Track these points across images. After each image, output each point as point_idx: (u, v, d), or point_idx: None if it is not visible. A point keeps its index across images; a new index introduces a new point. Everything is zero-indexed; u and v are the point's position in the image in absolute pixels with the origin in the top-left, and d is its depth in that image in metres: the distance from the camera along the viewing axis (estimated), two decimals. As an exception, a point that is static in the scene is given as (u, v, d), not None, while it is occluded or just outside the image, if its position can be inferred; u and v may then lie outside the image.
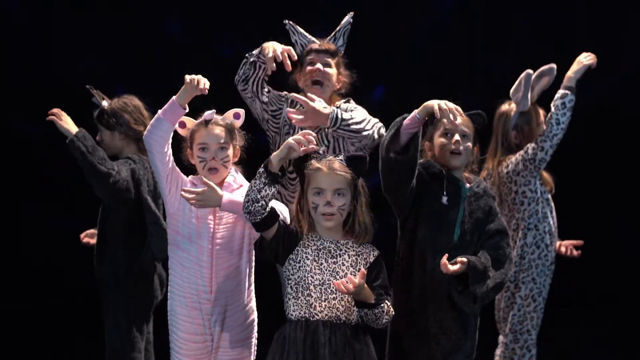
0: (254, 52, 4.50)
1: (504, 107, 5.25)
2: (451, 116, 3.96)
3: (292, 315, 3.82)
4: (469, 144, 4.23)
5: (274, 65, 4.46)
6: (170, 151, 4.05)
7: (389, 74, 6.87)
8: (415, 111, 4.02)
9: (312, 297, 3.79)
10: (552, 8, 7.17)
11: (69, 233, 6.48)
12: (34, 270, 7.10)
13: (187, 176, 4.14)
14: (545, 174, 5.23)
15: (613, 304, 7.17)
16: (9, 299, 6.98)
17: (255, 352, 4.19)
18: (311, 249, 3.84)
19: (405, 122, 4.02)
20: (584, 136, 6.63)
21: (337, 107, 4.49)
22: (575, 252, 5.34)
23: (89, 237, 5.06)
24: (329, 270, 3.82)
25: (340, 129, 4.36)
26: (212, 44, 6.96)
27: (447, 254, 3.97)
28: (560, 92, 5.09)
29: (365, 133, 4.39)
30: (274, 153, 3.77)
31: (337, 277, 3.79)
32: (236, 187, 4.10)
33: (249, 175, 4.05)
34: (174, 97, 4.01)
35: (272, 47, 4.43)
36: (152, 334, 4.84)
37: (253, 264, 4.17)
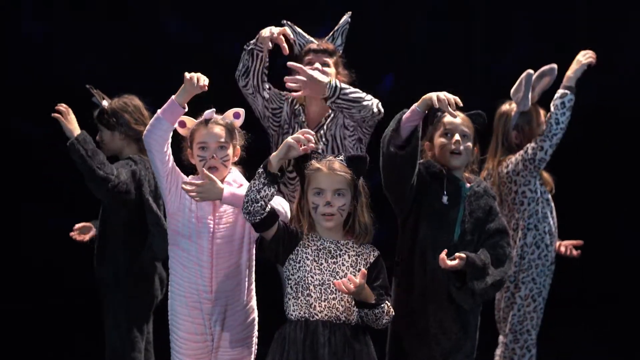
0: (251, 41, 4.51)
1: (505, 107, 5.24)
2: (449, 108, 3.96)
3: (292, 315, 3.82)
4: (469, 144, 4.23)
5: (270, 45, 4.44)
6: (170, 151, 4.05)
7: (380, 82, 6.87)
8: (415, 104, 4.02)
9: (312, 297, 3.79)
10: (552, 8, 7.18)
11: (69, 233, 6.48)
12: (34, 270, 7.10)
13: (188, 176, 4.14)
14: (545, 174, 5.22)
15: (613, 304, 7.18)
16: (9, 299, 6.98)
17: (256, 352, 4.19)
18: (311, 249, 3.84)
19: (406, 115, 4.02)
20: (584, 136, 6.63)
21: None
22: (575, 252, 5.34)
23: (79, 232, 5.02)
24: (329, 271, 3.82)
25: (340, 99, 4.30)
26: (212, 44, 6.96)
27: (446, 249, 3.98)
28: (560, 91, 5.09)
29: (365, 103, 4.34)
30: (273, 153, 3.77)
31: (337, 277, 3.79)
32: (236, 186, 4.10)
33: (249, 175, 4.05)
34: (173, 97, 4.01)
35: (269, 29, 4.45)
36: (152, 334, 4.84)
37: (253, 263, 4.17)
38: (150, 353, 4.85)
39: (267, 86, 4.62)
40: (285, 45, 4.46)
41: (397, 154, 4.00)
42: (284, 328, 3.84)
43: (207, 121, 4.11)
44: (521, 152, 5.13)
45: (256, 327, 4.19)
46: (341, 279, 3.74)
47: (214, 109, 4.14)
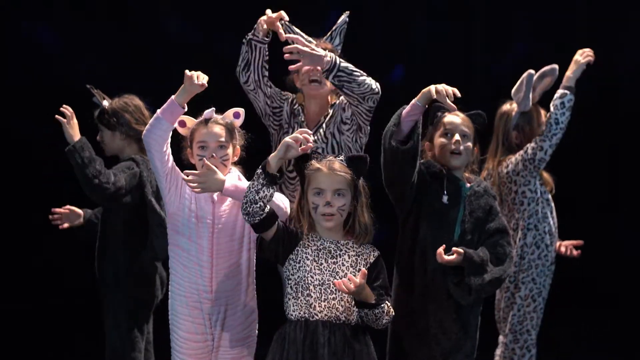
0: (249, 33, 4.52)
1: (506, 106, 5.24)
2: (447, 100, 3.96)
3: (291, 315, 3.82)
4: (469, 144, 4.23)
5: (266, 27, 4.43)
6: (169, 150, 4.05)
7: (388, 74, 6.88)
8: (415, 98, 4.03)
9: (311, 297, 3.79)
10: (552, 8, 7.18)
11: (69, 233, 6.47)
12: (34, 270, 7.10)
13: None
14: (546, 174, 5.22)
15: (613, 304, 7.18)
16: (9, 299, 6.98)
17: (255, 351, 4.20)
18: (311, 249, 3.84)
19: (406, 110, 4.03)
20: (584, 136, 6.63)
21: (339, 103, 4.53)
22: (575, 252, 5.34)
23: (64, 217, 4.97)
24: (329, 271, 3.82)
25: (341, 71, 4.26)
26: (212, 44, 6.96)
27: (444, 245, 3.98)
28: (560, 91, 5.09)
29: (364, 78, 4.32)
30: (272, 154, 3.77)
31: (337, 277, 3.79)
32: (236, 176, 4.10)
33: (249, 175, 4.04)
34: (173, 97, 4.01)
35: (265, 14, 4.47)
36: (152, 334, 4.84)
37: (254, 263, 4.17)
38: (150, 353, 4.85)
39: (269, 84, 4.61)
40: (282, 31, 4.45)
41: (399, 149, 4.00)
42: (284, 328, 3.84)
43: (207, 120, 4.11)
44: (521, 152, 5.13)
45: (257, 327, 4.19)
46: (341, 279, 3.74)
47: (214, 108, 4.14)
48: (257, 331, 4.19)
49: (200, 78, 3.97)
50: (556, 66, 5.19)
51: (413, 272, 4.14)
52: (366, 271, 3.71)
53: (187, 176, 3.95)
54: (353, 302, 3.77)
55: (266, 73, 4.56)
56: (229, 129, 4.12)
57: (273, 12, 4.48)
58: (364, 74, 4.31)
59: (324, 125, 4.57)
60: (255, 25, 4.48)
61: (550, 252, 5.18)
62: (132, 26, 6.98)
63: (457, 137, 4.19)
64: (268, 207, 3.77)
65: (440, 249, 3.97)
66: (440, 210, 4.14)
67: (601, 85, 6.89)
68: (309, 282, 3.80)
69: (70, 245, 6.47)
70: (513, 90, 5.18)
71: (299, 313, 3.80)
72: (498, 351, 5.26)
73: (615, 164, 7.16)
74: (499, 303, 5.24)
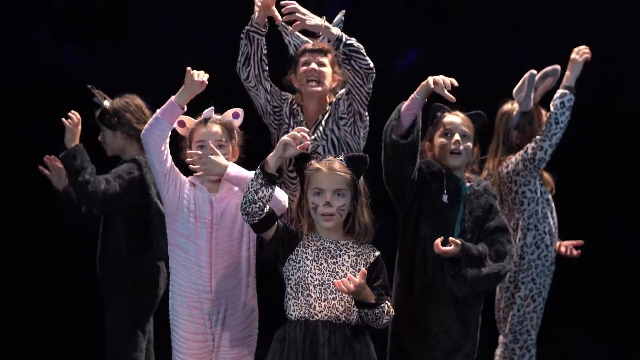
0: (246, 26, 4.53)
1: (506, 106, 5.24)
2: (445, 90, 3.98)
3: (291, 315, 3.82)
4: (469, 144, 4.23)
5: (259, 10, 4.45)
6: (168, 150, 4.05)
7: (388, 74, 6.87)
8: (414, 92, 4.04)
9: (311, 297, 3.79)
10: (552, 8, 7.18)
11: (69, 233, 6.49)
12: (34, 270, 7.10)
13: (187, 176, 4.15)
14: (546, 174, 5.22)
15: (613, 304, 7.18)
16: (9, 299, 6.98)
17: (255, 351, 4.20)
18: (311, 249, 3.84)
19: (406, 103, 4.05)
20: (584, 136, 6.63)
21: (335, 100, 4.55)
22: (575, 252, 5.34)
23: (52, 166, 4.88)
24: (329, 271, 3.82)
25: (349, 40, 4.36)
26: (212, 44, 6.96)
27: (442, 237, 3.98)
28: (559, 91, 5.09)
29: (364, 53, 4.41)
30: (270, 154, 3.77)
31: (337, 277, 3.79)
32: (232, 186, 4.11)
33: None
34: (172, 97, 4.01)
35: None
36: (152, 333, 4.85)
37: (254, 262, 4.17)
38: (150, 352, 4.84)
39: (269, 79, 4.61)
40: (277, 14, 4.47)
41: (399, 142, 4.01)
42: (284, 328, 3.84)
43: (206, 120, 4.12)
44: (521, 152, 5.13)
45: (257, 326, 4.20)
46: (341, 279, 3.73)
47: (213, 108, 4.15)
48: (257, 330, 4.19)
49: (201, 75, 3.98)
50: (558, 67, 5.19)
51: (413, 272, 4.15)
52: (366, 271, 3.71)
53: (190, 157, 3.98)
54: (353, 302, 3.77)
55: (266, 67, 4.57)
56: (228, 128, 4.13)
57: (277, 22, 4.49)
58: None
59: (323, 122, 4.58)
60: (252, 15, 4.49)
61: (550, 252, 5.18)
62: (132, 26, 6.98)
63: (456, 137, 4.19)
64: (267, 207, 3.77)
65: (438, 241, 3.98)
66: (440, 209, 4.14)
67: (601, 85, 6.89)
68: (309, 282, 3.80)
69: (70, 245, 6.48)
70: (514, 90, 5.18)
71: (299, 313, 3.80)
72: (498, 351, 5.26)
73: (615, 164, 7.16)
74: (499, 303, 5.24)
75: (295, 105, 4.64)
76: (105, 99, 4.78)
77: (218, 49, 6.84)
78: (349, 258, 3.85)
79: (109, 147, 4.81)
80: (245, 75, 4.56)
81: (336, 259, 3.84)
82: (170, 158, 4.07)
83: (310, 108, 4.62)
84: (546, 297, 5.19)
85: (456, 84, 4.01)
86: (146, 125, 4.05)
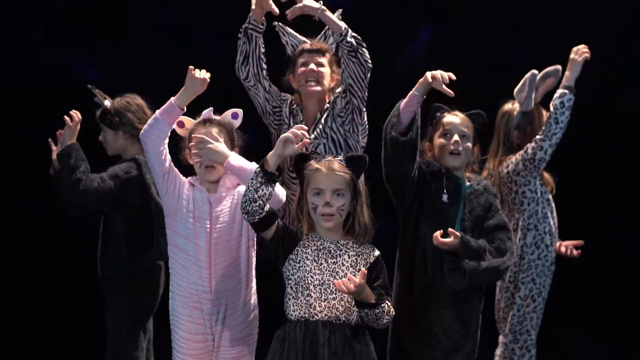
0: (243, 25, 4.54)
1: (507, 106, 5.24)
2: (443, 85, 3.99)
3: (291, 315, 3.82)
4: (469, 144, 4.24)
5: (259, 8, 4.46)
6: (167, 150, 4.05)
7: (387, 74, 6.87)
8: (413, 89, 4.04)
9: (311, 297, 3.79)
10: (552, 8, 7.18)
11: (69, 233, 6.49)
12: (34, 270, 7.10)
13: (186, 177, 4.15)
14: (546, 175, 5.22)
15: (613, 304, 7.17)
16: (9, 299, 6.98)
17: (255, 351, 4.20)
18: (311, 249, 3.84)
19: (405, 100, 4.06)
20: (584, 136, 6.63)
21: (334, 98, 4.56)
22: (575, 252, 5.34)
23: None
24: (329, 271, 3.82)
25: (354, 34, 4.40)
26: (212, 44, 6.95)
27: (441, 230, 3.98)
28: (559, 91, 5.09)
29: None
30: (270, 152, 3.77)
31: (337, 277, 3.79)
32: (231, 186, 4.11)
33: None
34: (172, 99, 4.01)
35: None
36: (152, 332, 4.85)
37: (253, 261, 4.17)
38: (150, 352, 4.85)
39: (267, 78, 4.61)
40: (274, 8, 4.48)
41: (399, 139, 4.02)
42: (284, 328, 3.84)
43: (205, 121, 4.12)
44: (521, 152, 5.13)
45: (257, 325, 4.20)
46: (341, 278, 3.74)
47: (212, 109, 4.15)
48: (257, 329, 4.20)
49: (202, 73, 3.97)
50: (559, 67, 5.19)
51: (413, 272, 4.15)
52: (366, 271, 3.71)
53: (196, 141, 4.02)
54: (353, 302, 3.77)
55: (264, 66, 4.57)
56: (227, 129, 4.13)
57: (275, 14, 4.49)
58: None
59: (322, 121, 4.58)
60: (250, 14, 4.49)
61: (550, 252, 5.18)
62: (132, 26, 6.98)
63: (455, 137, 4.20)
64: (268, 205, 3.77)
65: (437, 233, 3.97)
66: (440, 209, 4.15)
67: (601, 85, 6.89)
68: (309, 282, 3.80)
69: (70, 245, 6.48)
70: (515, 90, 5.18)
71: (299, 313, 3.80)
72: (498, 351, 5.26)
73: (615, 164, 7.16)
74: (499, 303, 5.24)
75: (295, 106, 4.65)
76: (105, 98, 4.78)
77: (218, 49, 6.83)
78: (349, 258, 3.85)
79: (111, 147, 4.81)
80: (245, 74, 4.56)
81: (336, 258, 3.84)
82: (169, 158, 4.07)
83: (310, 108, 4.62)
84: (546, 297, 5.19)
85: (454, 77, 4.02)
86: (145, 126, 4.06)
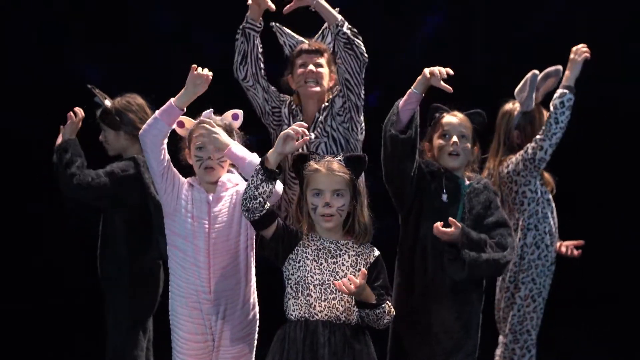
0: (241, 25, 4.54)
1: (508, 106, 5.24)
2: (441, 81, 3.99)
3: (291, 315, 3.82)
4: (468, 145, 4.24)
5: (256, 6, 4.47)
6: (166, 150, 4.05)
7: (387, 75, 6.87)
8: (411, 87, 4.05)
9: (311, 297, 3.79)
10: (552, 8, 7.17)
11: (69, 233, 6.48)
12: (34, 270, 7.10)
13: (185, 177, 4.15)
14: (547, 175, 5.22)
15: (613, 304, 7.17)
16: (9, 299, 6.98)
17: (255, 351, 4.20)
18: (311, 249, 3.84)
19: (404, 98, 4.07)
20: (584, 136, 6.62)
21: (333, 97, 4.56)
22: (575, 252, 5.34)
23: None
24: (329, 270, 3.82)
25: (347, 24, 4.40)
26: (212, 44, 6.95)
27: (442, 222, 3.98)
28: (559, 91, 5.09)
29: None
30: (270, 150, 3.77)
31: (337, 277, 3.79)
32: (231, 186, 4.11)
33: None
34: (172, 99, 4.01)
35: None
36: (151, 332, 4.85)
37: (253, 260, 4.17)
38: (150, 352, 4.85)
39: (266, 78, 4.61)
40: (271, 4, 4.48)
41: (398, 137, 4.02)
42: (284, 328, 3.85)
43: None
44: (521, 152, 5.13)
45: (257, 324, 4.20)
46: (341, 279, 3.74)
47: (212, 109, 4.15)
48: (257, 328, 4.20)
49: (205, 70, 3.97)
50: (560, 67, 5.19)
51: (413, 272, 4.15)
52: (366, 271, 3.71)
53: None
54: (353, 302, 3.77)
55: (262, 66, 4.58)
56: (227, 130, 4.13)
57: (271, 10, 4.49)
58: None
59: (321, 119, 4.58)
60: (247, 13, 4.49)
61: (551, 252, 5.17)
62: (132, 26, 6.98)
63: (454, 138, 4.20)
64: (268, 203, 3.77)
65: (438, 224, 3.97)
66: (440, 208, 4.15)
67: (601, 85, 6.89)
68: (309, 282, 3.80)
69: (70, 245, 6.47)
70: (516, 90, 5.18)
71: (299, 313, 3.80)
72: (498, 351, 5.26)
73: (615, 164, 7.16)
74: (499, 303, 5.24)
75: (294, 107, 4.65)
76: (106, 98, 4.78)
77: (218, 49, 6.82)
78: (349, 258, 3.85)
79: (111, 147, 4.81)
80: (243, 74, 4.56)
81: (336, 258, 3.84)
82: (168, 158, 4.07)
83: (309, 109, 4.62)
84: (546, 297, 5.19)
85: (452, 72, 4.01)
86: (144, 125, 4.05)
